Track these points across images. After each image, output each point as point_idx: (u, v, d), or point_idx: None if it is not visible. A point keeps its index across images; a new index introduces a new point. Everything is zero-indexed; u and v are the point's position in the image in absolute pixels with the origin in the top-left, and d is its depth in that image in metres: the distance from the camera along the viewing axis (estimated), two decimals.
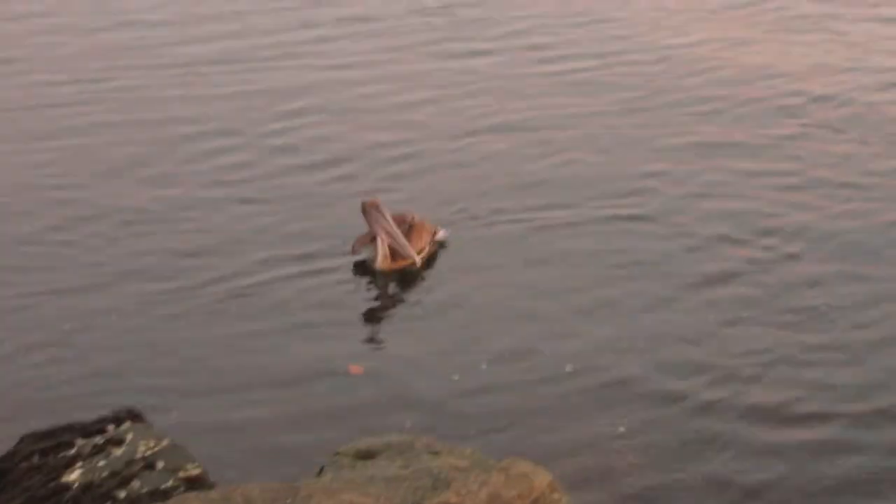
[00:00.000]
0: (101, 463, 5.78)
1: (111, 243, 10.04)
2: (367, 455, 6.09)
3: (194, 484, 5.73)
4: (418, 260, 9.36)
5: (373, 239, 9.46)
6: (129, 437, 5.88)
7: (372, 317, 9.00)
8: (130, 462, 5.76)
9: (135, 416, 6.04)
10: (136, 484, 5.69)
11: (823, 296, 8.93)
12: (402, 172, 11.27)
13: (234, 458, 7.02)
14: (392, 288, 9.36)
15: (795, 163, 11.31)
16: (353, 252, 9.50)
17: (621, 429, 7.46)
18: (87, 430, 5.91)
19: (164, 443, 5.86)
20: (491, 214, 10.36)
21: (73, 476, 5.72)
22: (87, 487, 5.67)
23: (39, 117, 12.91)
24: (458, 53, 14.63)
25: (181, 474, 5.75)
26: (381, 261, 9.33)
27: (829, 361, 8.13)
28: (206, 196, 10.91)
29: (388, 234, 9.33)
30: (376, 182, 11.00)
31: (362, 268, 9.52)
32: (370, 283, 9.39)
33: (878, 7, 16.33)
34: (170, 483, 5.72)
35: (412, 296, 9.30)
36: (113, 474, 5.72)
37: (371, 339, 8.66)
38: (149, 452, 5.80)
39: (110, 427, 5.93)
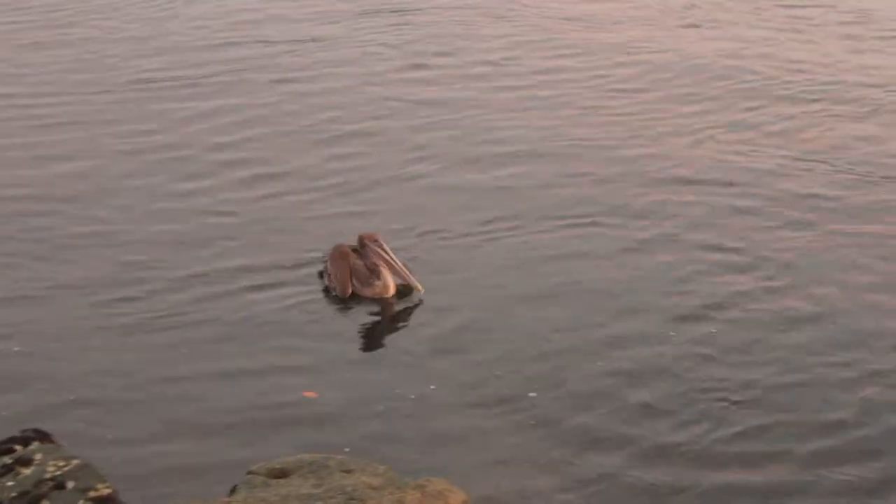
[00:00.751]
0: (10, 483, 5.72)
1: (52, 254, 10.00)
2: (280, 474, 6.07)
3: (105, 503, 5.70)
4: (421, 287, 9.41)
5: (349, 270, 9.42)
6: (38, 456, 5.82)
7: (324, 336, 8.86)
8: (40, 482, 5.70)
9: (43, 436, 6.00)
10: None
11: (794, 334, 8.78)
12: (363, 196, 11.22)
13: (146, 477, 6.88)
14: (347, 310, 9.30)
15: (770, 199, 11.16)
16: (346, 293, 9.38)
17: (570, 465, 7.26)
18: None
19: (75, 462, 5.80)
20: (455, 238, 10.28)
21: None
22: None
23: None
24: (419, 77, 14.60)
25: (92, 494, 5.69)
26: (393, 290, 9.46)
27: (795, 400, 7.97)
28: (152, 208, 10.86)
29: (391, 266, 9.44)
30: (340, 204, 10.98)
31: (316, 285, 9.48)
32: (324, 300, 9.34)
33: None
34: (80, 503, 5.68)
35: (370, 318, 9.24)
36: (22, 494, 5.65)
37: (323, 361, 8.47)
38: (58, 472, 5.74)
39: (18, 447, 5.88)
